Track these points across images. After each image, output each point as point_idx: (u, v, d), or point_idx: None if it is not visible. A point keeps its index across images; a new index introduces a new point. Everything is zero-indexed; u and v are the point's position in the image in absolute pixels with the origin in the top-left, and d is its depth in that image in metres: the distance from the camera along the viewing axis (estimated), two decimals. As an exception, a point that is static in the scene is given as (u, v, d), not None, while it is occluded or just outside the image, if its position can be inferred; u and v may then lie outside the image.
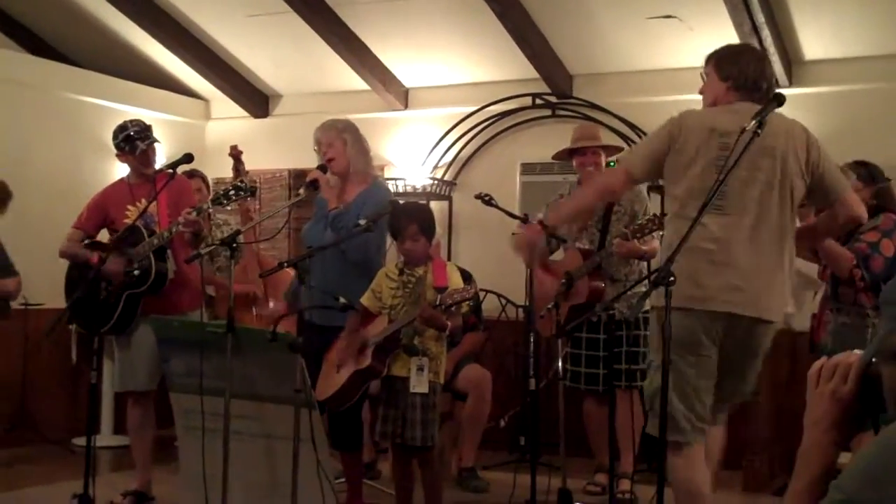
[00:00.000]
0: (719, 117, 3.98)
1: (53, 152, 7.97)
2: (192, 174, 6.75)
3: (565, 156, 6.12)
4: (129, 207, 5.44)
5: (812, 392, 1.81)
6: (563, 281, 5.53)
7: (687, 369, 3.80)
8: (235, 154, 6.27)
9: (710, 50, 7.42)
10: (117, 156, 5.62)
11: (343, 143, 5.03)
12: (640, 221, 5.52)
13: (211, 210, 5.63)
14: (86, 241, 5.54)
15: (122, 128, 5.55)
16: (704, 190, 3.67)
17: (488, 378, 6.25)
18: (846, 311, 4.92)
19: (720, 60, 4.16)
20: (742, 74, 4.11)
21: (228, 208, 5.94)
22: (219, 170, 7.93)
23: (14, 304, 7.20)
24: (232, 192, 4.94)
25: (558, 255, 6.16)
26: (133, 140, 5.47)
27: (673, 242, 3.74)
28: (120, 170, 8.42)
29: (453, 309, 4.41)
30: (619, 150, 6.70)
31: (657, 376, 3.68)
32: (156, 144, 5.60)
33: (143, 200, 5.36)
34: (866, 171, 5.04)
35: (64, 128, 8.09)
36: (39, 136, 7.86)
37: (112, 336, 5.50)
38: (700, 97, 4.26)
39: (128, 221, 5.34)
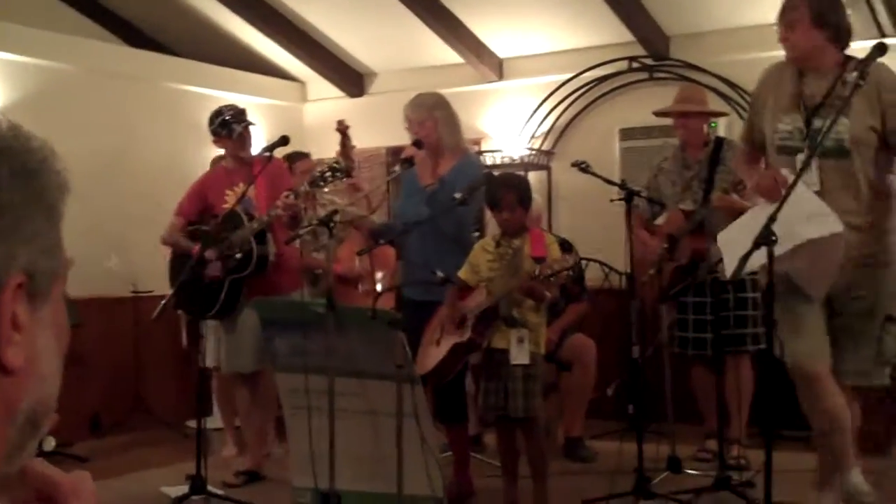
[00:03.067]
0: None
1: (156, 142, 8.12)
2: (301, 156, 6.82)
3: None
4: (228, 192, 5.50)
5: None
6: (665, 244, 5.46)
7: None
8: (342, 129, 6.25)
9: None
10: (214, 141, 5.70)
11: (434, 122, 5.01)
12: None
13: (311, 191, 5.65)
14: (189, 228, 5.62)
15: (217, 113, 5.62)
16: None
17: (592, 347, 6.19)
18: None
19: (818, 4, 3.86)
20: (843, 24, 3.91)
21: (327, 189, 5.93)
22: (318, 151, 7.98)
23: (124, 292, 7.36)
24: (328, 174, 4.94)
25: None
26: (229, 124, 5.53)
27: None
28: (219, 156, 8.59)
29: (552, 279, 4.36)
30: (721, 114, 6.57)
31: None
32: (252, 128, 5.66)
33: (241, 185, 5.41)
34: None
35: (165, 117, 8.24)
36: (141, 126, 8.02)
37: (218, 320, 5.58)
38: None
39: (227, 206, 5.40)
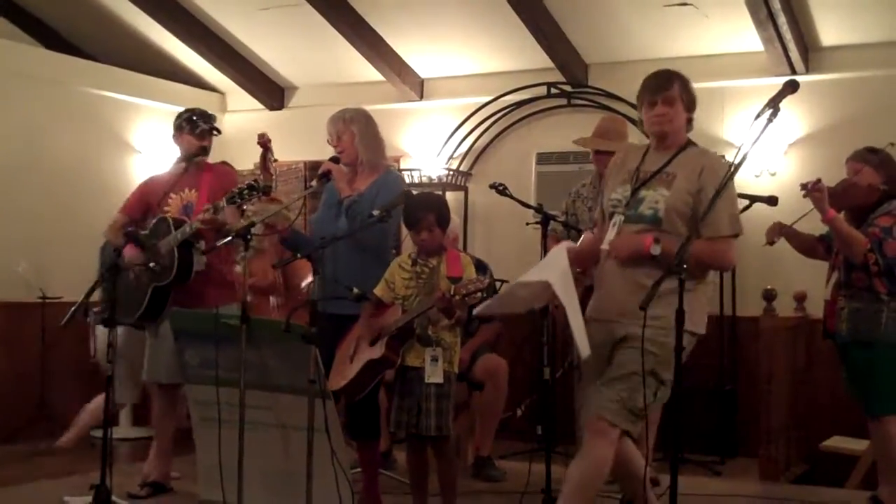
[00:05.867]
0: None
1: (71, 146, 8.00)
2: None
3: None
4: (172, 196, 5.45)
5: None
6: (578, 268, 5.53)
7: None
8: (264, 142, 6.18)
9: (726, 38, 7.42)
10: (174, 137, 5.59)
11: (351, 135, 5.02)
12: None
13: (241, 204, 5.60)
14: (128, 229, 5.51)
15: (187, 110, 5.62)
16: None
17: (504, 367, 6.24)
18: (859, 296, 4.92)
19: (688, 86, 4.05)
20: (694, 104, 4.09)
21: (246, 207, 5.87)
22: (235, 163, 7.94)
23: (31, 298, 7.24)
24: (246, 192, 4.91)
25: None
26: (195, 121, 5.49)
27: None
28: (137, 164, 8.51)
29: (467, 299, 4.40)
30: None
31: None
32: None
33: (187, 190, 5.38)
34: (877, 158, 5.06)
35: (81, 122, 8.13)
36: (57, 130, 7.90)
37: (142, 327, 5.51)
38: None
39: (168, 209, 5.36)
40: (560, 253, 4.10)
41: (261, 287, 6.40)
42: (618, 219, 4.01)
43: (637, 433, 3.97)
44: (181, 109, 8.56)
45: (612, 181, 4.17)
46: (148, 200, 5.56)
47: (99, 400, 6.48)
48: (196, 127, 5.50)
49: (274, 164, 6.11)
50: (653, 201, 3.94)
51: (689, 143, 4.05)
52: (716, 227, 3.85)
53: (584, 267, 4.35)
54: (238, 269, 6.17)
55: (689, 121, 4.06)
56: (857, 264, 4.88)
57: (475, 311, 4.49)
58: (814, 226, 5.25)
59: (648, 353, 3.76)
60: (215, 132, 5.60)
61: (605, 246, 4.01)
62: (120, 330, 6.05)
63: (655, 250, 3.83)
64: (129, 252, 5.31)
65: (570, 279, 4.01)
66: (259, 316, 5.63)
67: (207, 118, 5.57)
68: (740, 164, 3.78)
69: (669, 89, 3.98)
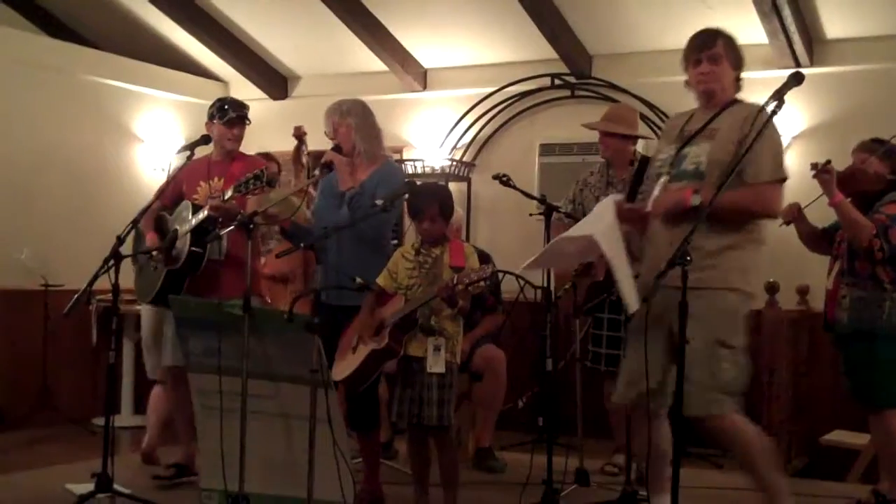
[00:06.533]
0: None
1: (72, 134, 8.00)
2: (266, 157, 6.73)
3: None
4: (202, 184, 5.43)
5: None
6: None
7: None
8: (299, 135, 6.19)
9: (731, 30, 7.35)
10: (206, 125, 5.56)
11: (347, 127, 5.01)
12: None
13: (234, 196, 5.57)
14: (157, 214, 5.50)
15: (218, 99, 5.60)
16: None
17: (502, 358, 6.23)
18: (862, 284, 4.91)
19: (733, 44, 4.05)
20: (741, 62, 4.08)
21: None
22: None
23: (34, 285, 7.23)
24: (251, 182, 4.89)
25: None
26: (225, 110, 5.47)
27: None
28: (139, 153, 8.50)
29: (470, 289, 4.39)
30: (640, 136, 6.65)
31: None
32: (244, 126, 5.58)
33: (216, 179, 5.38)
34: (884, 148, 5.05)
35: (83, 110, 8.12)
36: (58, 118, 7.89)
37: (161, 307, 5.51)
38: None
39: (196, 198, 5.35)
40: (608, 205, 4.06)
41: (277, 275, 6.39)
42: (663, 179, 4.01)
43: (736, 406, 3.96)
44: (184, 99, 8.67)
45: (659, 145, 4.20)
46: (180, 187, 5.56)
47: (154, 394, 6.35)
48: (225, 115, 5.48)
49: (306, 157, 6.11)
50: (696, 156, 3.94)
51: (736, 100, 4.04)
52: (757, 171, 3.85)
53: (632, 224, 4.28)
54: (262, 260, 6.18)
55: (738, 79, 4.05)
56: (861, 252, 4.87)
57: (522, 268, 4.49)
58: (820, 215, 5.24)
59: (706, 321, 3.75)
60: (246, 121, 5.58)
61: (649, 207, 3.99)
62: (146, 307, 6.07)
63: (695, 200, 3.81)
64: (151, 238, 5.38)
65: (617, 231, 3.97)
66: (267, 305, 5.65)
67: (238, 107, 5.53)
68: (775, 111, 3.73)
69: (714, 47, 3.99)
